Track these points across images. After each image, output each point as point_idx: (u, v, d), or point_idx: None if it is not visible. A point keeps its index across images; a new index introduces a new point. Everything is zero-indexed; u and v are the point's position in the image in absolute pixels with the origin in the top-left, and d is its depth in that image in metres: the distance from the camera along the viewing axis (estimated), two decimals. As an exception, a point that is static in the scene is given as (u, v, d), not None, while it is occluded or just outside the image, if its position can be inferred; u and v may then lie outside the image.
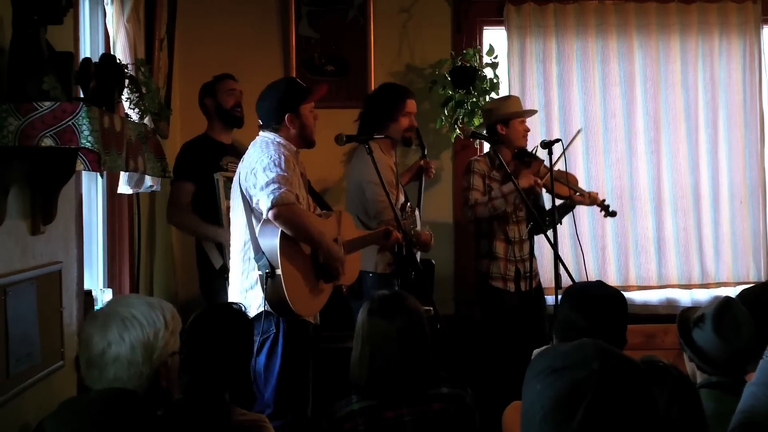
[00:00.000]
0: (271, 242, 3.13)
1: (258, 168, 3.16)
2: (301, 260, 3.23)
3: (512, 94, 4.66)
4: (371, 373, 2.42)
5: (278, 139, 3.29)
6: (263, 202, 3.10)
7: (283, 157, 3.18)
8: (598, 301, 2.46)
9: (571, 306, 2.46)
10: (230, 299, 3.33)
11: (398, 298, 2.54)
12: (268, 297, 3.14)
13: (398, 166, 4.30)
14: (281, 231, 3.12)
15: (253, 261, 3.19)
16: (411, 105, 4.05)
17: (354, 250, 3.53)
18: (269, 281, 3.11)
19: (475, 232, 4.42)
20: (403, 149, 4.49)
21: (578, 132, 4.48)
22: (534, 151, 4.31)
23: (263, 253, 3.14)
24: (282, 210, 3.07)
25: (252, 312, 3.16)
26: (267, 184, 3.10)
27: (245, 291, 3.26)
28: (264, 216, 3.13)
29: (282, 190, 3.08)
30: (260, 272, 3.14)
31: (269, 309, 3.17)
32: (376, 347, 2.43)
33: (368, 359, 2.43)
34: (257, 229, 3.18)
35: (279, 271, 3.11)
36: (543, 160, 4.27)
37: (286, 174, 3.13)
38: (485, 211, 4.25)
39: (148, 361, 1.94)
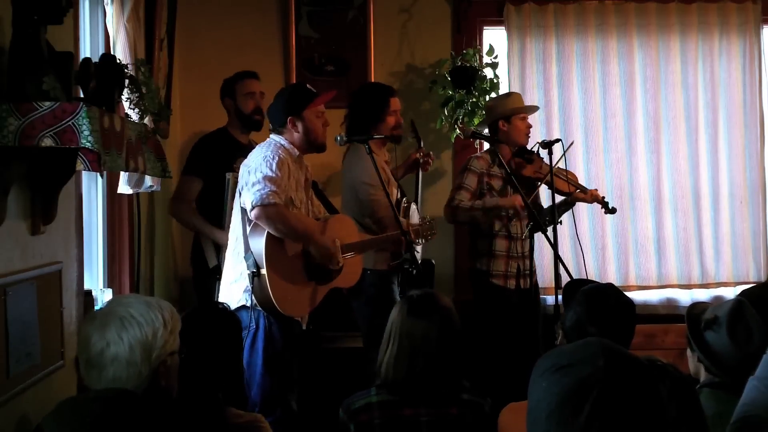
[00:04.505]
0: (259, 242, 3.19)
1: (252, 168, 3.20)
2: (290, 261, 3.26)
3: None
4: (410, 375, 2.40)
5: (281, 142, 3.33)
6: (248, 201, 3.14)
7: (277, 158, 3.21)
8: (615, 314, 2.47)
9: (589, 318, 2.45)
10: (220, 289, 3.40)
11: (432, 298, 2.52)
12: (256, 295, 3.20)
13: (395, 161, 4.31)
14: (267, 232, 3.15)
15: (241, 256, 3.25)
16: (395, 103, 4.08)
17: (355, 253, 3.52)
18: (256, 280, 3.17)
19: (471, 231, 4.41)
20: (403, 143, 4.49)
21: (570, 144, 4.44)
22: (535, 150, 4.30)
23: (251, 252, 3.19)
24: (264, 210, 3.11)
25: (233, 305, 3.21)
26: (253, 184, 3.14)
27: (230, 284, 3.33)
28: (249, 215, 3.16)
29: (266, 190, 3.11)
30: (248, 271, 3.19)
31: (249, 304, 3.21)
32: (416, 349, 2.40)
33: (408, 360, 2.40)
34: (248, 229, 3.23)
35: (264, 271, 3.16)
36: (543, 158, 4.26)
37: (275, 175, 3.15)
38: (465, 217, 4.26)
39: (146, 360, 1.93)
